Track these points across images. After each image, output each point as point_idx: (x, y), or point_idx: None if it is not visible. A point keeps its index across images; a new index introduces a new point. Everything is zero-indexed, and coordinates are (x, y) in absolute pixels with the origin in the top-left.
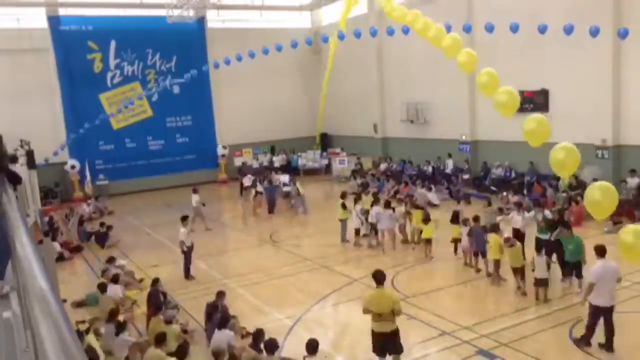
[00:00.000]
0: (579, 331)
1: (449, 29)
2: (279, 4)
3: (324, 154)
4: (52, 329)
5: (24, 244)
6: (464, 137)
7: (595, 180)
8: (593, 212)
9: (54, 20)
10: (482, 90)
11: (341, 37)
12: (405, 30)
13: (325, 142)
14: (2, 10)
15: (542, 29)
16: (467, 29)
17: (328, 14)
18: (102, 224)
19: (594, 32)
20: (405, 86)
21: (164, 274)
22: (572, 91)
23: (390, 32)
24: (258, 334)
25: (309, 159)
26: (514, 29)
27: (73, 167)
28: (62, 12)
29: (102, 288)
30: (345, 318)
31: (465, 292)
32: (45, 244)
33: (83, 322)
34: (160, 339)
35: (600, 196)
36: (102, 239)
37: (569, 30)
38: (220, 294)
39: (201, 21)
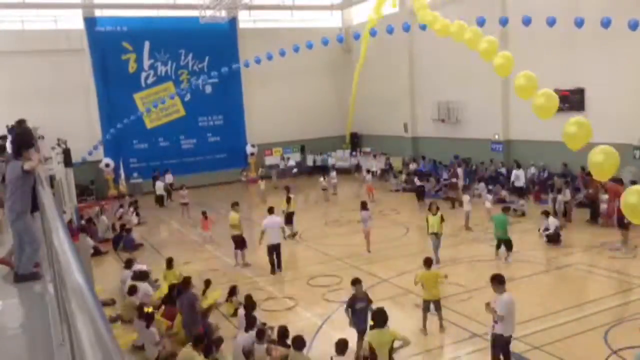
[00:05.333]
0: (614, 335)
1: (482, 22)
2: (309, 4)
3: (354, 153)
4: (88, 323)
5: (61, 240)
6: (496, 137)
7: (634, 182)
8: (631, 216)
9: (90, 22)
10: (519, 93)
11: (373, 33)
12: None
13: (356, 141)
14: (40, 12)
15: (579, 23)
16: (504, 22)
17: (359, 13)
18: (122, 227)
19: (634, 26)
20: (436, 85)
21: (195, 271)
22: (609, 89)
23: (423, 27)
24: (283, 331)
25: (338, 158)
26: (551, 22)
27: (108, 165)
28: (97, 13)
29: (131, 291)
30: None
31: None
32: (81, 240)
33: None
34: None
35: (638, 201)
36: (128, 243)
37: (606, 24)
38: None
39: (233, 21)
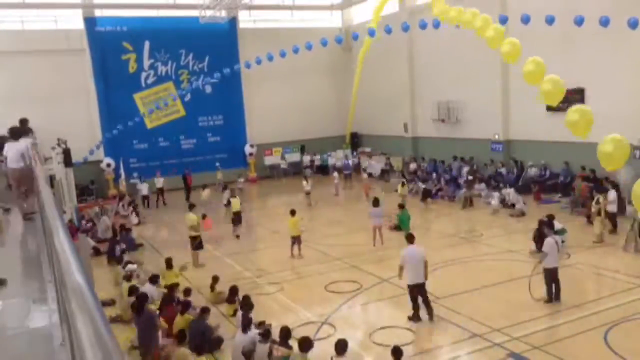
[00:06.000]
0: (614, 335)
1: None
2: (309, 4)
3: (354, 153)
4: (88, 323)
5: (61, 240)
6: (496, 137)
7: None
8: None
9: (90, 22)
10: (527, 79)
11: (371, 33)
12: (437, 25)
13: (356, 141)
14: (40, 12)
15: (579, 22)
16: (503, 21)
17: (359, 13)
18: (122, 227)
19: (633, 24)
20: (436, 85)
21: (194, 272)
22: (609, 89)
23: (423, 26)
24: (286, 332)
25: (339, 158)
26: (549, 21)
27: (108, 165)
28: (97, 13)
29: (131, 292)
30: (374, 318)
31: (497, 294)
32: (81, 240)
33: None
34: (182, 337)
35: None
36: (128, 243)
37: (604, 22)
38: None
39: (233, 21)
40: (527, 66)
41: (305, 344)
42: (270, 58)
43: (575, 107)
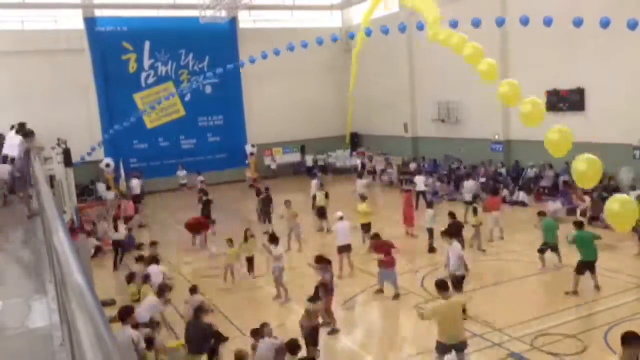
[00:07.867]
0: (614, 335)
1: (478, 23)
2: (309, 4)
3: (354, 153)
4: (88, 324)
5: (61, 240)
6: (497, 137)
7: (632, 186)
8: (614, 223)
9: (90, 22)
10: (503, 100)
11: (368, 33)
12: None
13: (356, 141)
14: (40, 12)
15: (578, 23)
16: (500, 22)
17: (359, 13)
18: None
19: (632, 26)
20: (436, 85)
21: (195, 271)
22: (609, 89)
23: (420, 27)
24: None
25: (338, 158)
26: (548, 22)
27: (108, 165)
28: (97, 13)
29: (145, 278)
30: (374, 318)
31: (497, 294)
32: (81, 240)
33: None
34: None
35: (620, 208)
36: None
37: (605, 23)
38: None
39: (233, 21)
40: (501, 87)
41: (292, 347)
42: (265, 56)
43: (555, 127)
